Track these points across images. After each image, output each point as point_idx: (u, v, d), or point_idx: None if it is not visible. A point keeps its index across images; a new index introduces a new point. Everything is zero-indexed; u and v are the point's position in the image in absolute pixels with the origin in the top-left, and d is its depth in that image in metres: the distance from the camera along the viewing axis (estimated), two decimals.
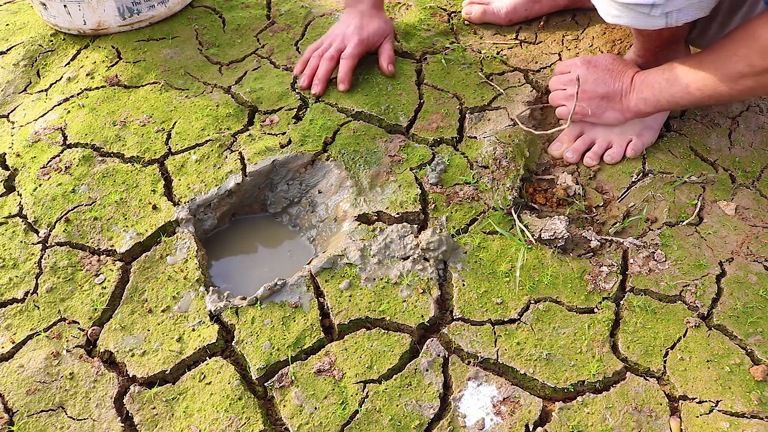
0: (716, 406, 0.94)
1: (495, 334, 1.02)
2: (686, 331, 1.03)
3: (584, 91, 1.26)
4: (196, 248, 1.13)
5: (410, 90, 1.41)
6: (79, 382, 0.99)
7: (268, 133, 1.32)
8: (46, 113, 1.40)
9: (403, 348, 1.00)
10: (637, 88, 1.23)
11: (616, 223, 1.19)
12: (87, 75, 1.48)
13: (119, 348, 1.02)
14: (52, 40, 1.60)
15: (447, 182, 1.23)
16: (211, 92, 1.42)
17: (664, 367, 0.99)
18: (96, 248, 1.15)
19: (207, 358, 1.01)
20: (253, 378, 0.98)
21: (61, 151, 1.30)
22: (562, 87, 1.32)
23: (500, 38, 1.59)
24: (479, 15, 1.61)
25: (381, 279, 1.08)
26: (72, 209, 1.20)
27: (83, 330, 1.05)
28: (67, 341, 1.03)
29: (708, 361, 0.99)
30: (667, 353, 1.00)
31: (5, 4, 1.79)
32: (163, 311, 1.06)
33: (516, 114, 1.35)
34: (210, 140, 1.30)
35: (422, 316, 1.03)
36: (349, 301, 1.05)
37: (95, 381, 0.99)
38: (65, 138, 1.33)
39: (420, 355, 1.00)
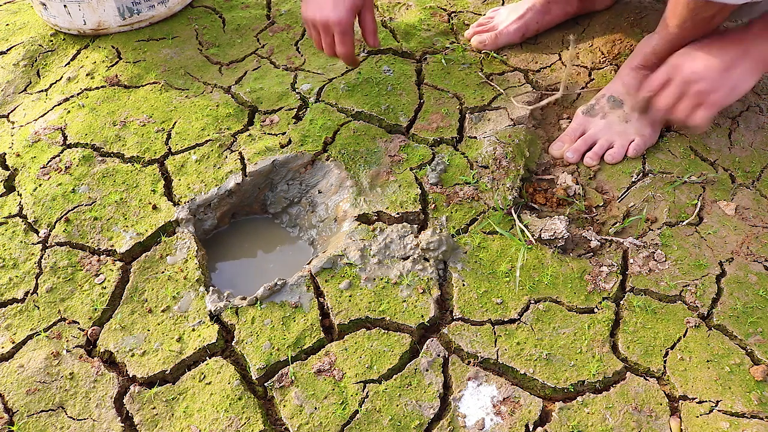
0: (716, 406, 0.94)
1: (495, 334, 1.02)
2: (686, 331, 1.03)
3: (703, 78, 1.16)
4: (196, 248, 1.13)
5: (410, 90, 1.41)
6: (79, 382, 0.99)
7: (268, 133, 1.32)
8: (46, 113, 1.40)
9: (403, 348, 1.00)
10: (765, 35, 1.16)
11: (616, 223, 1.19)
12: (87, 75, 1.48)
13: (119, 348, 1.02)
14: (52, 40, 1.60)
15: (447, 182, 1.23)
16: (211, 92, 1.42)
17: (664, 367, 0.99)
18: (96, 248, 1.15)
19: (207, 358, 1.01)
20: (253, 378, 0.98)
21: (61, 151, 1.30)
22: (668, 88, 1.20)
23: None
24: (493, 41, 1.53)
25: (381, 279, 1.08)
26: (72, 209, 1.20)
27: (83, 330, 1.05)
28: (67, 341, 1.03)
29: (708, 361, 0.99)
30: (667, 353, 1.00)
31: (5, 4, 1.80)
32: (163, 311, 1.06)
33: (518, 101, 1.35)
34: (210, 140, 1.30)
35: (422, 316, 1.03)
36: (349, 301, 1.05)
37: (95, 381, 0.99)
38: (65, 138, 1.33)
39: (420, 355, 1.00)
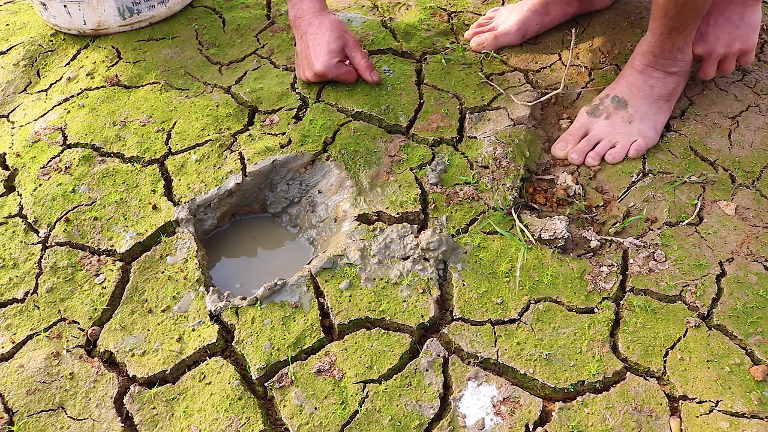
0: (716, 406, 0.94)
1: (495, 334, 1.02)
2: (686, 331, 1.02)
3: (736, 39, 1.30)
4: (196, 248, 1.13)
5: (410, 90, 1.41)
6: (79, 382, 0.99)
7: (268, 133, 1.32)
8: (46, 113, 1.40)
9: (403, 348, 1.00)
10: None
11: (616, 223, 1.19)
12: (87, 75, 1.48)
13: (119, 348, 1.02)
14: (52, 40, 1.60)
15: (447, 182, 1.23)
16: (211, 92, 1.42)
17: (664, 367, 0.99)
18: (96, 248, 1.15)
19: (207, 358, 1.01)
20: (253, 378, 0.98)
21: (61, 151, 1.30)
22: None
23: None
24: (492, 42, 1.52)
25: (381, 279, 1.08)
26: (72, 209, 1.20)
27: (83, 330, 1.05)
28: (67, 341, 1.03)
29: (708, 361, 0.99)
30: (667, 353, 1.00)
31: (5, 4, 1.80)
32: (163, 311, 1.06)
33: (521, 101, 1.35)
34: (210, 140, 1.30)
35: (422, 316, 1.03)
36: (349, 301, 1.05)
37: (95, 381, 0.99)
38: (65, 138, 1.33)
39: (420, 355, 1.00)
